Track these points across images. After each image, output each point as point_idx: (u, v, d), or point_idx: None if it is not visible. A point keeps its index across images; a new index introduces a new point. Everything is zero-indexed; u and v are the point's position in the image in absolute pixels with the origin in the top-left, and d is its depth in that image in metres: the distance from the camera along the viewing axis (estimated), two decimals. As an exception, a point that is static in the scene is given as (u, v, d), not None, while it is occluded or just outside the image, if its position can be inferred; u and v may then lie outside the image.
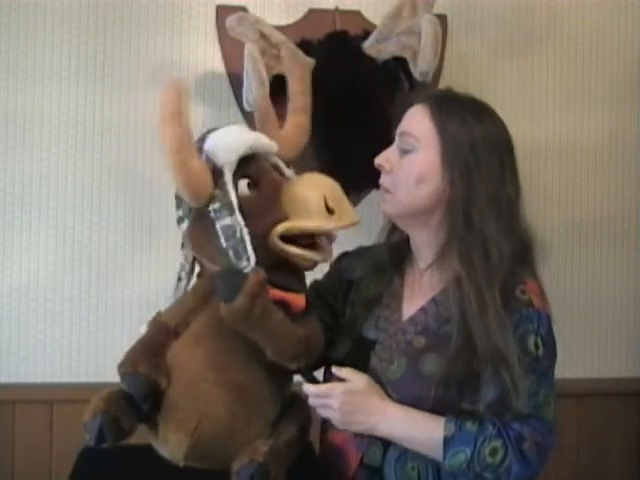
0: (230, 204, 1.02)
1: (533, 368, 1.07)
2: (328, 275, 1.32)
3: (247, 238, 1.01)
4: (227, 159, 1.04)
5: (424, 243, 1.18)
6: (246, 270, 1.01)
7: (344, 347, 1.20)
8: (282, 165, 1.13)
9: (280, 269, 1.05)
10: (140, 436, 1.05)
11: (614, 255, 2.01)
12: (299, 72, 1.18)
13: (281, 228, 1.03)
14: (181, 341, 1.06)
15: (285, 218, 1.04)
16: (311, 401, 1.11)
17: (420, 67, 1.58)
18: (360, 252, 1.32)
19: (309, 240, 1.07)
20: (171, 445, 1.02)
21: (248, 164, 1.06)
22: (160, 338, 1.06)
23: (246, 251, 1.01)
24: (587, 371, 1.97)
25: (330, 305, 1.27)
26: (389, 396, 1.11)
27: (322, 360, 1.19)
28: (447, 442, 1.06)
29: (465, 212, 1.09)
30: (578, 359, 1.96)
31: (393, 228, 1.25)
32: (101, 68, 1.79)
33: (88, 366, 1.79)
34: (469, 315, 1.07)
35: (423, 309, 1.16)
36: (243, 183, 1.05)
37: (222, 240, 1.02)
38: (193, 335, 1.05)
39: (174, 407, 1.02)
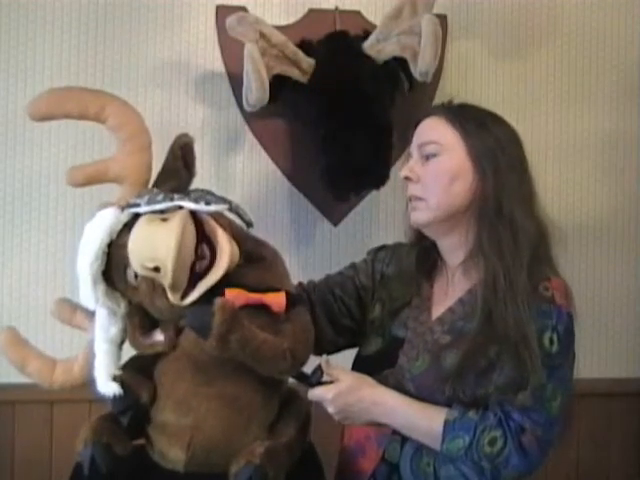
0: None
1: (544, 363, 1.09)
2: (364, 267, 1.33)
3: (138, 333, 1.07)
4: (83, 302, 1.07)
5: (452, 247, 1.21)
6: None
7: (374, 344, 1.23)
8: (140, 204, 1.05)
9: (250, 271, 1.05)
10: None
11: (614, 255, 2.01)
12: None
13: (170, 305, 1.02)
14: (168, 358, 1.06)
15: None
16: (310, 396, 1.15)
17: (420, 67, 1.58)
18: (396, 249, 1.33)
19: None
20: (169, 459, 1.02)
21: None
22: (148, 356, 1.07)
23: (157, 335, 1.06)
24: (587, 371, 1.96)
25: (361, 298, 1.30)
26: (408, 390, 1.14)
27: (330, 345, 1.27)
28: (447, 426, 1.08)
29: (496, 202, 1.13)
30: (578, 359, 1.94)
31: (418, 235, 1.26)
32: (101, 68, 1.79)
33: (88, 366, 1.79)
34: (496, 298, 1.10)
35: (451, 309, 1.19)
36: (131, 275, 1.04)
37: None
38: (180, 349, 1.05)
39: (166, 424, 1.02)
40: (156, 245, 0.96)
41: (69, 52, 1.78)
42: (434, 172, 1.16)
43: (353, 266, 1.34)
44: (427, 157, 1.17)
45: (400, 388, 1.14)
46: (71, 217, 1.79)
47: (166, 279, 0.96)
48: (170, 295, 0.98)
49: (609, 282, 2.00)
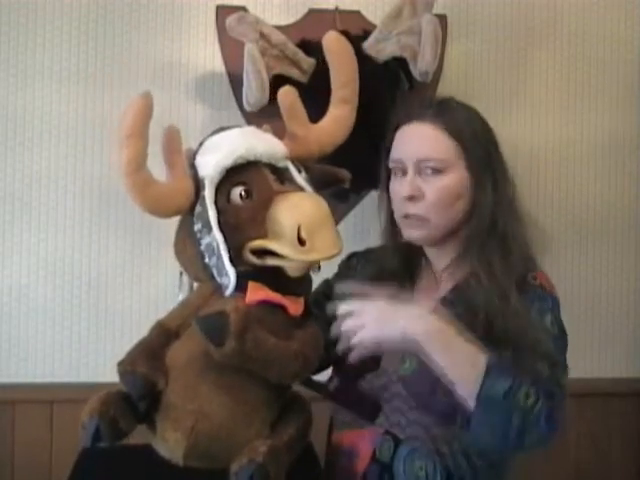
0: (208, 221, 1.02)
1: (555, 344, 1.09)
2: (337, 276, 1.32)
3: (224, 254, 1.01)
4: (208, 173, 1.03)
5: (441, 253, 1.20)
6: (227, 289, 1.02)
7: None
8: (293, 171, 1.10)
9: (279, 272, 1.05)
10: (140, 436, 1.05)
11: (614, 255, 2.01)
12: (343, 60, 1.14)
13: (254, 244, 1.02)
14: (181, 342, 1.06)
15: (263, 236, 1.02)
16: (343, 325, 1.04)
17: (420, 67, 1.58)
18: (368, 253, 1.32)
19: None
20: (169, 445, 1.02)
21: (246, 171, 1.05)
22: (160, 340, 1.06)
23: (224, 268, 1.01)
24: (587, 371, 1.97)
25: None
26: (398, 392, 1.12)
27: (325, 364, 1.19)
28: (488, 369, 1.00)
29: (492, 217, 1.13)
30: (578, 359, 1.94)
31: (395, 229, 1.24)
32: (101, 68, 1.79)
33: (88, 366, 1.79)
34: (490, 306, 1.09)
35: (435, 309, 1.17)
36: (236, 191, 1.04)
37: (206, 258, 1.04)
38: (193, 337, 1.05)
39: (172, 407, 1.02)
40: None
41: (69, 52, 1.78)
42: (439, 191, 1.12)
43: (326, 281, 1.31)
44: (428, 173, 1.13)
45: (388, 390, 1.13)
46: (71, 217, 1.79)
47: (292, 254, 1.00)
48: (273, 244, 1.01)
49: (609, 282, 2.00)
